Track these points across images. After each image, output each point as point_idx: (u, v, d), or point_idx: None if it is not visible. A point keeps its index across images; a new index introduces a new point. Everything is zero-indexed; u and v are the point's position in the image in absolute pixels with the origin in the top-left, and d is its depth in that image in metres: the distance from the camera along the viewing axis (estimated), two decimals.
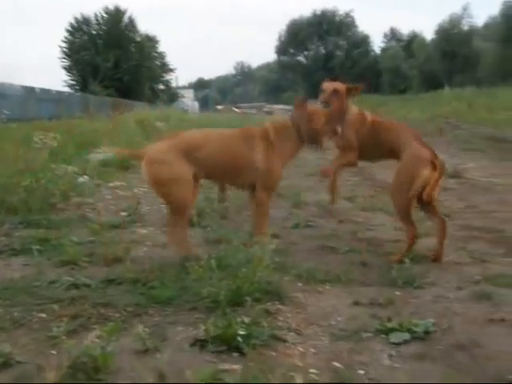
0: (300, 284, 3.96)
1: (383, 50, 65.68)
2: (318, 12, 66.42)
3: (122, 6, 55.73)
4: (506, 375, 2.64)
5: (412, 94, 46.44)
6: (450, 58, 53.71)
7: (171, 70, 58.73)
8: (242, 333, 2.88)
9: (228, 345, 2.84)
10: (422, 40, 61.38)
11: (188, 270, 3.82)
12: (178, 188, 4.28)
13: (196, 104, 52.76)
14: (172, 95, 57.55)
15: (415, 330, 3.16)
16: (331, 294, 3.84)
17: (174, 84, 60.25)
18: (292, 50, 67.02)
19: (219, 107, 41.82)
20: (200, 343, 2.90)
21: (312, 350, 2.95)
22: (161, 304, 3.45)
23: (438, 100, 32.48)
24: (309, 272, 4.12)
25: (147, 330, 2.96)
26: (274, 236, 4.94)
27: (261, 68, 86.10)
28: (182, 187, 4.30)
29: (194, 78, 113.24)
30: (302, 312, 3.48)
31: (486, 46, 53.57)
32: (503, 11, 50.03)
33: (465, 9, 56.43)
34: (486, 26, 59.41)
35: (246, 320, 3.04)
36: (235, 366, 2.66)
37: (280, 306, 3.49)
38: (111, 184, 8.49)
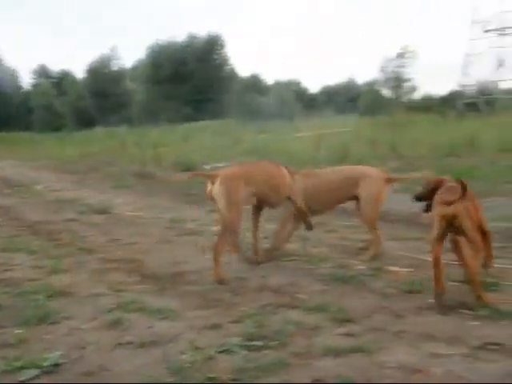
0: None
1: (34, 86, 64.05)
2: None
3: None
4: None
5: (66, 132, 46.08)
6: (102, 97, 55.06)
7: None
8: None
9: None
10: (73, 78, 61.72)
11: None
12: None
13: None
14: None
15: (44, 364, 3.25)
16: None
17: None
18: None
19: None
20: None
21: None
22: None
23: (92, 138, 32.95)
24: None
25: None
26: None
27: None
28: None
29: None
30: None
31: (135, 87, 56.47)
32: (149, 55, 53.40)
33: (113, 50, 58.41)
34: (134, 67, 62.51)
35: None
36: None
37: None
38: None
